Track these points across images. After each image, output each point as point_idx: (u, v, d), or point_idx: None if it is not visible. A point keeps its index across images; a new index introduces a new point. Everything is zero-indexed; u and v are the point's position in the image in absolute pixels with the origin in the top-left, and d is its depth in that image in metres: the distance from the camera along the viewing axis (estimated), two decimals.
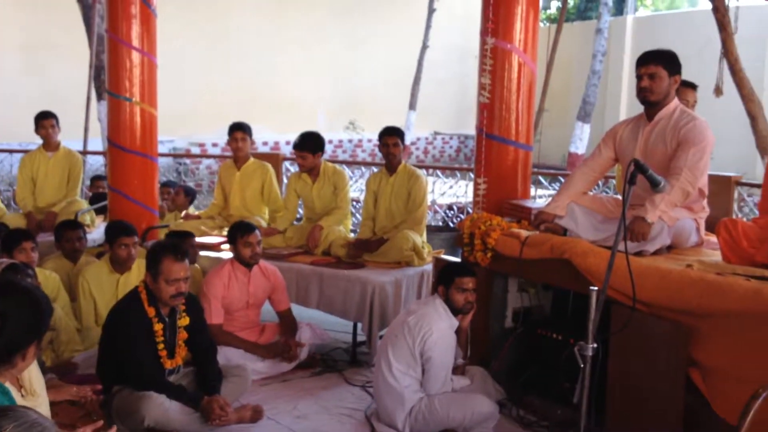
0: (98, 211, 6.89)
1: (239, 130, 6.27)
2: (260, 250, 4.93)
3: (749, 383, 2.88)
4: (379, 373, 4.00)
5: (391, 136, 5.57)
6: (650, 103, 4.03)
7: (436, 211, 9.15)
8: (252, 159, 6.37)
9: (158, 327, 3.92)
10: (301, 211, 6.25)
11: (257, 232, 4.91)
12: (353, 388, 4.71)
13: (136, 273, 4.86)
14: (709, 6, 7.09)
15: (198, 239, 5.77)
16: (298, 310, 5.26)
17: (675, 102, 4.06)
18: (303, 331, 5.02)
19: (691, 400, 3.45)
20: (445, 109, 18.22)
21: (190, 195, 7.17)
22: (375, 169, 6.21)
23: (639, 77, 4.02)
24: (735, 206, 6.81)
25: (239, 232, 4.88)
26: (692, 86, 4.71)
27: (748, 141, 7.25)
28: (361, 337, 5.26)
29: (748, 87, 7.25)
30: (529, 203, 4.77)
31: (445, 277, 4.06)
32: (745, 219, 4.92)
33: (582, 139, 15.48)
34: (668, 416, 3.48)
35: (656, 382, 3.52)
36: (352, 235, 5.97)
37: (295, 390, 4.66)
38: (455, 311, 4.03)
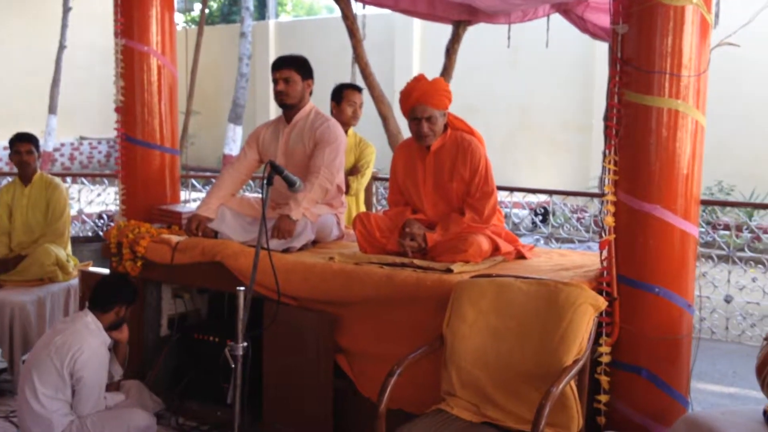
0: None
1: None
2: None
3: (386, 362, 3.15)
4: (24, 400, 3.67)
5: (23, 143, 5.11)
6: (287, 105, 4.23)
7: (84, 221, 8.63)
8: None
9: None
10: None
11: None
12: None
13: None
14: None
15: None
16: None
17: (310, 105, 4.31)
18: None
19: (340, 384, 3.67)
20: (90, 113, 17.16)
21: None
22: (10, 179, 5.69)
23: (275, 81, 4.19)
24: (374, 200, 7.41)
25: None
26: (358, 89, 5.03)
27: (384, 140, 7.86)
28: (2, 364, 4.81)
29: (378, 89, 7.83)
30: (179, 208, 4.72)
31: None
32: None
33: (235, 141, 15.66)
34: (319, 403, 3.66)
35: (307, 371, 3.69)
36: None
37: None
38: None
